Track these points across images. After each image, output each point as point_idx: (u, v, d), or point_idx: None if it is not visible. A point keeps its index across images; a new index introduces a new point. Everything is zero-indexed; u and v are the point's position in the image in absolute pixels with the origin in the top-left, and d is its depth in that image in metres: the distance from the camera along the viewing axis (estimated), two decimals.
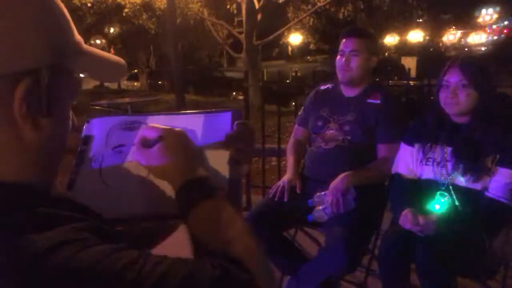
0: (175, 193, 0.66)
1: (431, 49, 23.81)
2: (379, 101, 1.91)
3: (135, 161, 0.71)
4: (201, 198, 0.63)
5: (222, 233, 0.61)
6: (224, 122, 0.77)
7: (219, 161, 0.74)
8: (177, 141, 0.67)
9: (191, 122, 0.78)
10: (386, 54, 22.00)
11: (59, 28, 0.54)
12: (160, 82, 17.71)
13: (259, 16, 10.52)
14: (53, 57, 0.52)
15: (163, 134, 0.67)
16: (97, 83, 18.25)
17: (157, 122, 0.75)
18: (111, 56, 0.65)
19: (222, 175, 0.74)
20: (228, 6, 11.43)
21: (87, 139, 0.77)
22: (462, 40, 29.55)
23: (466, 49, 25.94)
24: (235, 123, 0.75)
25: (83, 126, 0.79)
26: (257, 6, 10.24)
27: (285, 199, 1.92)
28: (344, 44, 1.92)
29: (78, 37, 0.57)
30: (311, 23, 12.55)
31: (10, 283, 0.44)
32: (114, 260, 0.47)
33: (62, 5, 0.54)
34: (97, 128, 0.79)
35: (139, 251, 0.50)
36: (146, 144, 0.67)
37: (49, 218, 0.48)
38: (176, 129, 0.69)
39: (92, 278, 0.45)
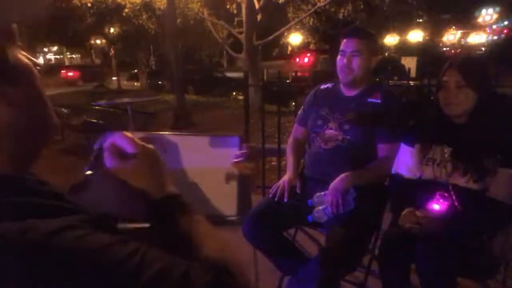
0: (149, 204, 0.68)
1: (428, 49, 23.79)
2: (379, 101, 1.90)
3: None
4: (176, 214, 0.66)
5: (200, 244, 0.62)
6: (232, 144, 0.96)
7: (227, 179, 0.94)
8: (150, 161, 0.69)
9: (202, 143, 0.97)
10: (386, 54, 21.98)
11: None
12: (160, 82, 17.70)
13: (259, 16, 10.52)
14: None
15: (139, 152, 0.68)
16: (97, 83, 18.29)
17: (172, 141, 0.89)
18: None
19: (229, 189, 0.93)
20: (228, 6, 11.42)
21: (100, 151, 0.80)
22: (462, 40, 29.50)
23: (466, 49, 25.93)
24: (243, 145, 0.94)
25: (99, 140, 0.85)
26: (257, 6, 10.24)
27: (285, 199, 1.92)
28: (345, 44, 1.91)
29: None
30: (311, 23, 12.54)
31: (14, 263, 0.44)
32: (116, 250, 0.48)
33: None
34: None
35: (140, 244, 0.51)
36: (119, 154, 0.68)
37: (44, 207, 0.49)
38: (150, 147, 0.71)
39: (93, 263, 0.46)
